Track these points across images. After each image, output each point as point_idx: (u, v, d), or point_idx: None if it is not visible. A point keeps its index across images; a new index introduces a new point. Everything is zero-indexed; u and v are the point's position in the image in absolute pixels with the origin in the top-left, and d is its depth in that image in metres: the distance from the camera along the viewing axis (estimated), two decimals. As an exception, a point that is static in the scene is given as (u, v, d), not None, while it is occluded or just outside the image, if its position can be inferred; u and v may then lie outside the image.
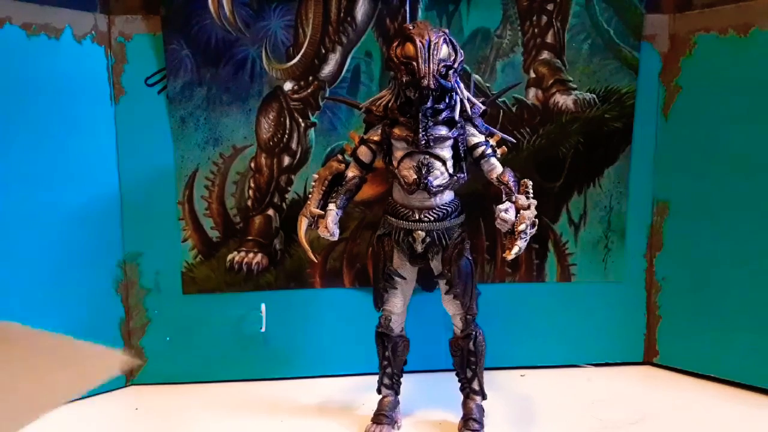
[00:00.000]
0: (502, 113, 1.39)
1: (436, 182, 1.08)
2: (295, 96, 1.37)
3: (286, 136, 1.39)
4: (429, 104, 1.04)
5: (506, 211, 1.02)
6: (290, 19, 1.34)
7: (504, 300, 1.44)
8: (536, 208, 1.03)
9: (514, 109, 1.40)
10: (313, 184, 1.15)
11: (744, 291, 1.34)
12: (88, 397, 1.35)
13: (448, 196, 1.12)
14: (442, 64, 1.02)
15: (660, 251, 1.45)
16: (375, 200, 1.38)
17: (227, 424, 1.25)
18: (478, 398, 1.20)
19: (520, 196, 1.04)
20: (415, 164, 1.08)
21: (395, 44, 1.05)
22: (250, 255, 1.41)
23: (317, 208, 1.12)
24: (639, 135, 1.41)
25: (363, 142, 1.14)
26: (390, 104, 1.09)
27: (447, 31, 1.05)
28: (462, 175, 1.11)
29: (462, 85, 1.09)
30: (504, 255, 1.02)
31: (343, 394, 1.37)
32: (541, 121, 1.40)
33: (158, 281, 1.40)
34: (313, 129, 1.39)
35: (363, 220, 1.41)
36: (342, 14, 1.34)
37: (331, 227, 1.11)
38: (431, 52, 1.01)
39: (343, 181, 1.14)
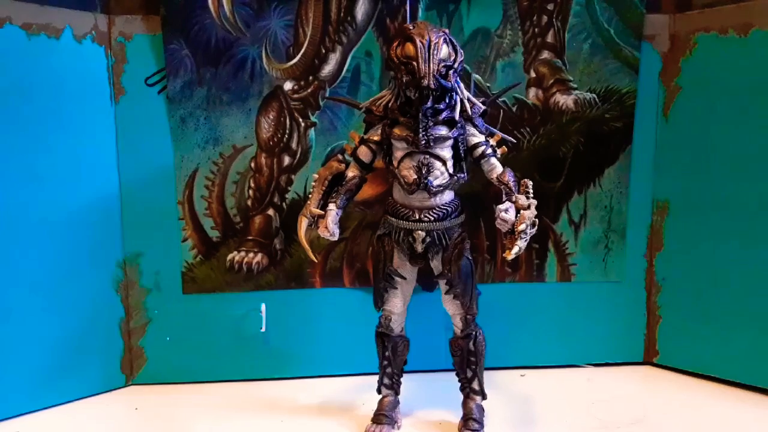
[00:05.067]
0: (502, 113, 1.39)
1: (436, 182, 1.08)
2: (295, 96, 1.37)
3: (286, 135, 1.39)
4: (429, 104, 1.04)
5: (506, 211, 1.02)
6: (290, 18, 1.34)
7: (504, 300, 1.44)
8: (536, 208, 1.03)
9: (514, 109, 1.40)
10: (313, 184, 1.15)
11: (744, 291, 1.34)
12: (88, 397, 1.36)
13: (448, 196, 1.12)
14: (442, 64, 1.02)
15: (660, 251, 1.45)
16: (375, 200, 1.38)
17: (227, 424, 1.25)
18: (478, 398, 1.20)
19: (520, 196, 1.04)
20: (415, 164, 1.08)
21: (395, 44, 1.05)
22: (250, 255, 1.41)
23: (317, 208, 1.12)
24: (639, 135, 1.41)
25: (363, 142, 1.14)
26: (390, 104, 1.09)
27: (447, 31, 1.05)
28: (462, 175, 1.11)
29: (462, 85, 1.09)
30: (504, 255, 1.02)
31: (343, 394, 1.37)
32: (542, 121, 1.40)
33: (158, 281, 1.40)
34: (313, 129, 1.39)
35: (363, 220, 1.41)
36: (342, 14, 1.34)
37: (331, 227, 1.11)
38: (431, 52, 1.01)
39: (343, 181, 1.14)
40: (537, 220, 1.03)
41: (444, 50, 1.03)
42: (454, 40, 1.06)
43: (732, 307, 1.36)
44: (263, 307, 1.41)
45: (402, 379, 1.23)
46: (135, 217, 1.38)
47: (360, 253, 1.43)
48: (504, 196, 1.07)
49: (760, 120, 1.29)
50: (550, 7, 1.36)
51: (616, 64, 1.38)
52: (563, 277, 1.46)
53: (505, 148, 1.13)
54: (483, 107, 1.13)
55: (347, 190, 1.14)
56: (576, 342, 1.47)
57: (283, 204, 1.41)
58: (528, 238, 1.02)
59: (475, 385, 1.19)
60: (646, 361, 1.48)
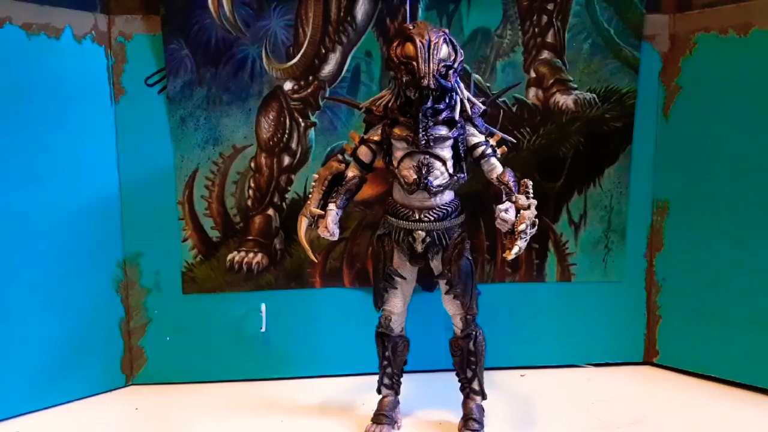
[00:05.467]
0: (502, 113, 1.39)
1: (436, 182, 1.08)
2: (295, 96, 1.37)
3: (286, 135, 1.39)
4: (429, 104, 1.04)
5: (506, 211, 1.02)
6: (290, 18, 1.34)
7: (504, 300, 1.44)
8: (536, 208, 1.03)
9: (514, 109, 1.40)
10: (313, 184, 1.15)
11: (744, 291, 1.34)
12: (88, 397, 1.36)
13: (448, 196, 1.12)
14: (442, 64, 1.02)
15: (660, 251, 1.45)
16: (375, 200, 1.38)
17: (227, 424, 1.25)
18: (478, 398, 1.20)
19: (520, 196, 1.04)
20: (415, 164, 1.08)
21: (395, 44, 1.05)
22: (250, 255, 1.41)
23: (317, 208, 1.12)
24: (639, 135, 1.41)
25: (363, 142, 1.14)
26: (390, 104, 1.09)
27: (447, 31, 1.05)
28: (462, 175, 1.11)
29: (462, 85, 1.09)
30: (504, 255, 1.02)
31: (343, 394, 1.37)
32: (542, 121, 1.40)
33: (158, 281, 1.40)
34: (313, 129, 1.39)
35: (363, 220, 1.41)
36: (342, 14, 1.34)
37: (331, 227, 1.11)
38: (431, 52, 1.01)
39: (343, 181, 1.14)
40: (537, 220, 1.03)
41: (444, 50, 1.03)
42: (454, 40, 1.06)
43: (732, 307, 1.36)
44: (263, 307, 1.41)
45: (402, 379, 1.23)
46: (135, 217, 1.38)
47: (360, 253, 1.43)
48: (504, 196, 1.07)
49: (760, 120, 1.29)
50: (550, 7, 1.36)
51: (616, 64, 1.38)
52: (563, 277, 1.46)
53: (505, 148, 1.13)
54: (483, 107, 1.13)
55: (347, 190, 1.14)
56: (576, 342, 1.47)
57: (283, 204, 1.41)
58: (528, 238, 1.02)
59: (475, 385, 1.19)
60: (646, 361, 1.48)
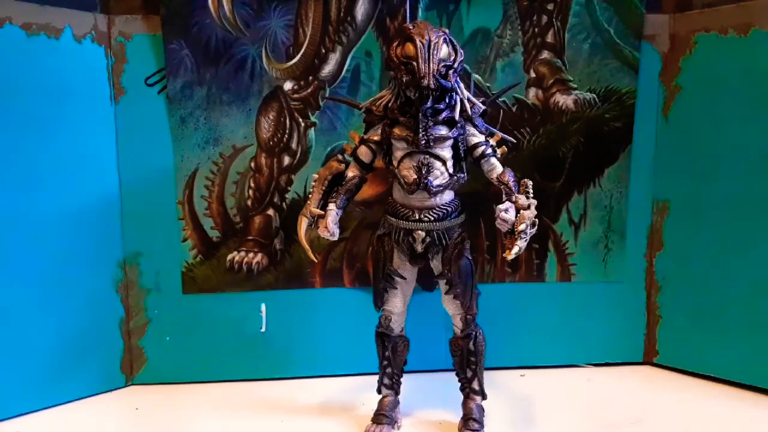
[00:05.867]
0: (502, 113, 1.39)
1: (436, 182, 1.08)
2: (295, 96, 1.37)
3: (286, 135, 1.39)
4: (429, 104, 1.04)
5: (506, 211, 1.02)
6: (290, 18, 1.34)
7: (504, 300, 1.44)
8: (536, 208, 1.03)
9: (514, 109, 1.40)
10: (313, 184, 1.15)
11: (744, 291, 1.34)
12: (88, 397, 1.36)
13: (448, 196, 1.12)
14: (442, 64, 1.02)
15: (660, 251, 1.45)
16: (375, 200, 1.38)
17: (227, 424, 1.25)
18: (478, 398, 1.20)
19: (520, 195, 1.04)
20: (415, 164, 1.08)
21: (395, 44, 1.05)
22: (250, 255, 1.41)
23: (317, 208, 1.12)
24: (639, 135, 1.41)
25: (363, 141, 1.14)
26: (390, 104, 1.09)
27: (447, 31, 1.05)
28: (462, 175, 1.11)
29: (462, 85, 1.09)
30: (504, 255, 1.02)
31: (343, 394, 1.37)
32: (542, 121, 1.40)
33: (158, 281, 1.40)
34: (313, 129, 1.39)
35: (363, 220, 1.41)
36: (342, 14, 1.34)
37: (331, 227, 1.11)
38: (431, 52, 1.01)
39: (343, 181, 1.14)
40: (537, 220, 1.03)
41: (444, 50, 1.03)
42: (454, 40, 1.06)
43: (732, 307, 1.36)
44: (263, 307, 1.41)
45: (402, 379, 1.23)
46: (135, 217, 1.38)
47: (360, 253, 1.43)
48: (504, 196, 1.07)
49: (761, 120, 1.29)
50: (550, 7, 1.36)
51: (616, 64, 1.38)
52: (563, 277, 1.46)
53: (505, 148, 1.13)
54: (483, 107, 1.13)
55: (347, 190, 1.14)
56: (576, 342, 1.47)
57: (283, 204, 1.41)
58: (528, 238, 1.02)
59: (475, 385, 1.19)
60: (646, 361, 1.48)
